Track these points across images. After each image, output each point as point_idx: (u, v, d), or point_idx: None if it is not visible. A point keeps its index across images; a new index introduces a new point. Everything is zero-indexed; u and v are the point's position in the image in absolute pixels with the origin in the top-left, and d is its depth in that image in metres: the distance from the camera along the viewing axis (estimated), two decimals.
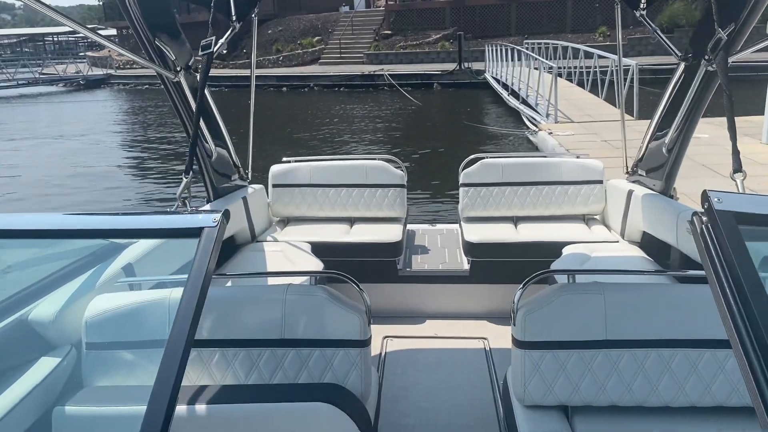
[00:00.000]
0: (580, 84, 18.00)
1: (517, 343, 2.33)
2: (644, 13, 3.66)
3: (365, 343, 2.32)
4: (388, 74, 27.09)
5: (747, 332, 1.33)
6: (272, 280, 3.13)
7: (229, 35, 3.68)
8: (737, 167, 2.22)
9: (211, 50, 2.66)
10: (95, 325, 2.24)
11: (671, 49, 3.53)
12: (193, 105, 3.52)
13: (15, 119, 24.96)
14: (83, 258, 2.70)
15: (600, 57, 15.81)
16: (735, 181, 2.21)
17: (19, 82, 37.42)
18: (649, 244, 4.06)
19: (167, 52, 3.22)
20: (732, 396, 2.23)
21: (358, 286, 2.42)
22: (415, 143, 15.30)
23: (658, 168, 3.93)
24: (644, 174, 4.16)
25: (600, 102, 15.31)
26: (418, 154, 13.85)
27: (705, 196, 1.54)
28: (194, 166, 3.92)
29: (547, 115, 13.83)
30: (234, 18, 3.57)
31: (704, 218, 1.54)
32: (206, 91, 3.71)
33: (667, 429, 2.24)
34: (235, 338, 2.31)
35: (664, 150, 3.73)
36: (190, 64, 3.51)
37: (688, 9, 25.77)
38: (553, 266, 3.83)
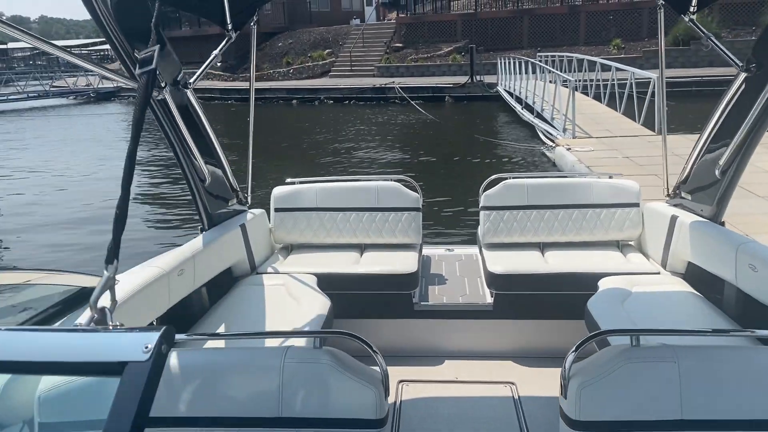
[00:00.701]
0: (597, 97, 17.54)
1: (570, 423, 1.88)
2: (694, 18, 3.26)
3: (381, 422, 1.87)
4: (399, 87, 26.76)
5: None
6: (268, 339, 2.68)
7: (224, 46, 3.30)
8: None
9: (153, 67, 2.13)
10: (50, 400, 1.82)
11: (730, 58, 3.11)
12: (182, 125, 3.11)
13: (24, 133, 24.84)
14: (39, 313, 2.29)
15: (618, 70, 15.39)
16: None
17: (30, 95, 37.42)
18: (695, 276, 3.61)
19: None
20: None
21: (371, 348, 1.99)
22: (427, 158, 14.90)
23: (708, 191, 3.49)
24: (689, 197, 3.72)
25: (618, 116, 14.83)
26: (430, 170, 13.44)
27: None
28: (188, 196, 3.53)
29: (564, 130, 13.38)
30: (230, 27, 3.19)
31: None
32: (198, 107, 3.31)
33: None
34: (222, 416, 1.88)
35: (716, 172, 3.30)
36: (178, 78, 3.11)
37: (704, 21, 25.30)
38: (591, 303, 3.38)
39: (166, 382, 1.89)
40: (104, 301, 1.67)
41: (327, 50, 34.51)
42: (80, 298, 2.55)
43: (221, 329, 3.17)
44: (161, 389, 1.89)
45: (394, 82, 28.08)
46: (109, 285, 1.64)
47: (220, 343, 2.69)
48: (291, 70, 33.93)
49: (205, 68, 3.22)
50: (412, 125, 20.62)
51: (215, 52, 3.25)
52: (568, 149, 11.24)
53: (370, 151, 15.98)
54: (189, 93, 3.20)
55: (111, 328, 1.18)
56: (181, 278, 3.10)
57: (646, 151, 10.73)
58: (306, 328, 3.09)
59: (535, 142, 14.90)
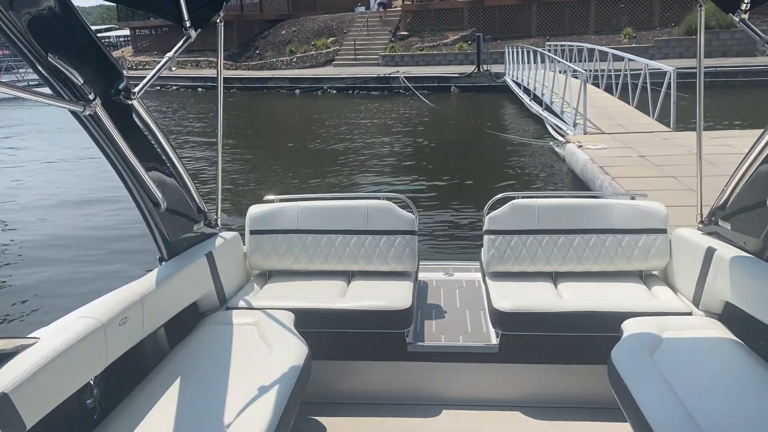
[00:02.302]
0: (608, 89, 16.89)
1: None
2: (746, 17, 2.72)
3: None
4: (404, 77, 26.11)
5: None
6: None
7: (180, 47, 2.77)
8: None
9: None
10: None
11: None
12: (122, 142, 2.59)
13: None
14: None
15: (630, 60, 14.74)
16: None
17: (30, 83, 36.96)
18: (735, 319, 3.08)
19: (71, 75, 2.29)
20: None
21: None
22: (429, 156, 14.35)
23: (754, 222, 2.95)
24: (728, 227, 3.19)
25: (631, 110, 14.19)
26: (431, 170, 12.90)
27: None
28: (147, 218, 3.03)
29: (575, 125, 12.77)
30: (188, 25, 2.67)
31: None
32: (149, 119, 2.79)
33: None
34: None
35: (767, 200, 2.77)
36: (120, 88, 2.58)
37: (719, 10, 24.48)
38: (615, 354, 2.85)
39: None
40: None
41: (331, 38, 33.81)
42: None
43: (177, 383, 2.68)
44: None
45: (398, 71, 27.42)
46: None
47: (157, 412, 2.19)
48: (294, 59, 33.27)
49: (154, 76, 2.69)
50: (416, 117, 20.02)
51: (169, 55, 2.73)
52: (579, 146, 10.66)
53: (368, 148, 15.42)
54: (136, 104, 2.67)
55: None
56: (125, 328, 2.60)
57: (662, 149, 10.14)
58: (276, 386, 2.59)
59: (544, 137, 14.31)
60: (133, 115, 2.75)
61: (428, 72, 26.97)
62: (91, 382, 2.52)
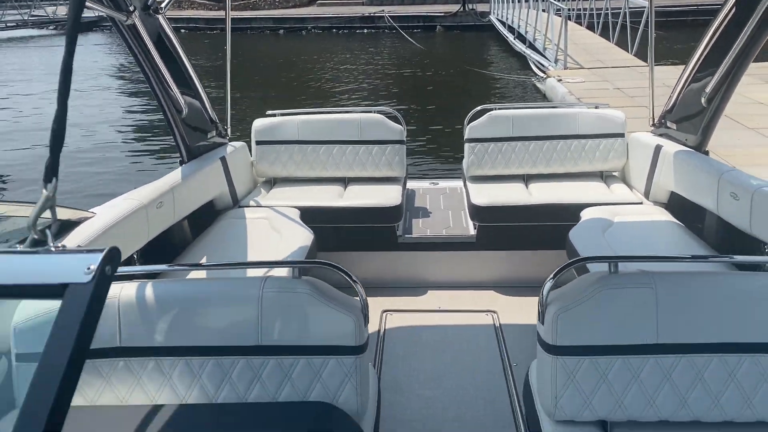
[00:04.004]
0: (590, 27, 17.16)
1: (547, 348, 1.91)
2: None
3: (361, 349, 1.90)
4: (389, 16, 26.02)
5: None
6: (249, 270, 2.66)
7: None
8: None
9: None
10: (26, 331, 1.82)
11: None
12: (155, 52, 3.01)
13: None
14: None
15: None
16: None
17: (8, 24, 36.11)
18: (677, 205, 3.64)
19: None
20: None
21: (350, 277, 1.99)
22: (414, 92, 14.65)
23: (693, 120, 3.47)
24: (674, 127, 3.70)
25: (611, 46, 14.56)
26: (417, 104, 13.24)
27: None
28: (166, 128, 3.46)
29: (556, 61, 13.14)
30: None
31: None
32: (171, 34, 3.20)
33: None
34: (202, 345, 1.89)
35: (702, 100, 3.26)
36: (149, 3, 2.98)
37: None
38: (573, 234, 3.40)
39: (143, 312, 1.91)
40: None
41: None
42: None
43: (203, 262, 3.18)
44: (139, 318, 1.90)
45: (383, 10, 27.27)
46: (49, 205, 1.42)
47: (200, 274, 2.70)
48: None
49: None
50: (401, 56, 20.18)
51: None
52: (559, 80, 11.08)
53: (355, 84, 15.68)
54: (161, 19, 3.08)
55: (52, 249, 1.11)
56: (161, 211, 3.08)
57: (638, 82, 10.59)
58: (288, 260, 3.11)
59: (526, 73, 14.66)
60: (159, 30, 3.15)
61: (413, 11, 26.88)
62: (135, 256, 3.01)
